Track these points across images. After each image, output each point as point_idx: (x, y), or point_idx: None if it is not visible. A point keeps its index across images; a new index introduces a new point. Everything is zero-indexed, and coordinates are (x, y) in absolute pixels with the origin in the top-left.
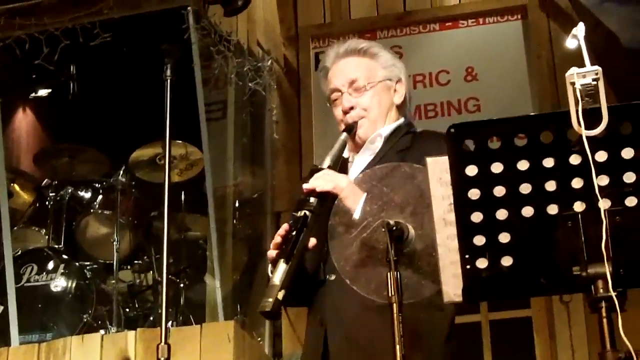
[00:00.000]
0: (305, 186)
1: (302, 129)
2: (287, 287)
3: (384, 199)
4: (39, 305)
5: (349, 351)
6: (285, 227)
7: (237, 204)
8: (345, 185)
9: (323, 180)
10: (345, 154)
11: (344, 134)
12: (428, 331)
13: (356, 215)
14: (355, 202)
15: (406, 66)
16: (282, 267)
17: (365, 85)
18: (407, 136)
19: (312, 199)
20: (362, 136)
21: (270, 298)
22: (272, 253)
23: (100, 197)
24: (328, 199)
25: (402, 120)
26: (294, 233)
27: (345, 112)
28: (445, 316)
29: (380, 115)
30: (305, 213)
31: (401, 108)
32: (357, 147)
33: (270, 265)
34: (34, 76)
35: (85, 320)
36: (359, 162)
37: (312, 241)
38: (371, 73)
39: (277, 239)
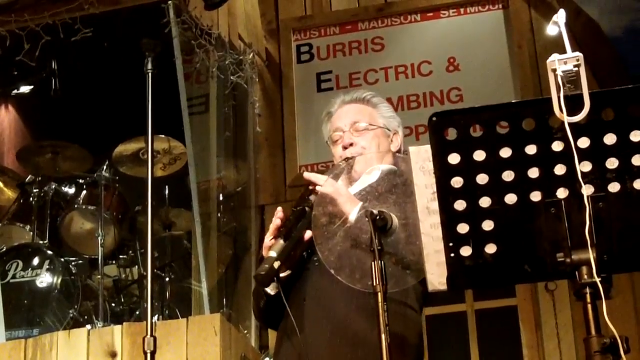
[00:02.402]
0: (311, 176)
1: (284, 122)
2: (283, 260)
3: (368, 189)
4: (25, 301)
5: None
6: (279, 214)
7: (220, 198)
8: (344, 192)
9: (327, 187)
10: None
11: (343, 163)
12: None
13: (352, 217)
14: (351, 207)
15: (388, 58)
16: (279, 243)
17: (367, 127)
18: (401, 178)
19: (311, 197)
20: (358, 170)
21: (266, 265)
22: (267, 241)
23: (84, 192)
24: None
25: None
26: (292, 219)
27: (345, 148)
28: (418, 316)
29: (377, 156)
30: (305, 207)
31: (396, 157)
32: (352, 182)
33: (263, 257)
34: (15, 73)
35: (71, 315)
36: (353, 191)
37: (308, 233)
38: (372, 119)
39: (276, 222)
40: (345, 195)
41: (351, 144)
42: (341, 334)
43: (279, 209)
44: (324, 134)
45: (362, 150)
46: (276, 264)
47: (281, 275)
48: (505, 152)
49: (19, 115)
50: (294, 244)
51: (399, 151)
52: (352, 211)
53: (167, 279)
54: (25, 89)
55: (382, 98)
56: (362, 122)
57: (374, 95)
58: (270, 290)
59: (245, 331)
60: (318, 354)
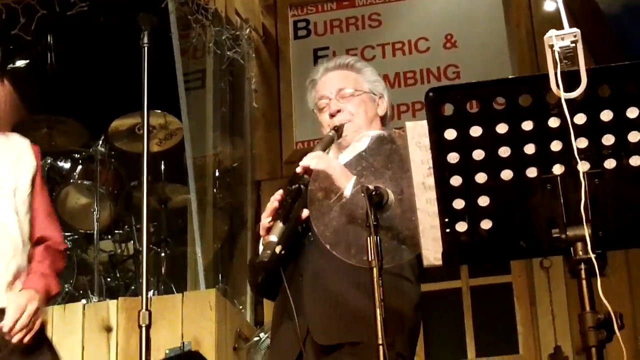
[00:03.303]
0: (301, 164)
1: (281, 97)
2: (284, 244)
3: (364, 164)
4: None
5: (324, 301)
6: (277, 196)
7: (217, 174)
8: (337, 167)
9: (317, 159)
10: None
11: (332, 132)
12: (399, 295)
13: (347, 192)
14: (346, 182)
15: (385, 34)
16: (279, 226)
17: (353, 93)
18: (390, 145)
19: (306, 176)
20: (347, 137)
21: (268, 250)
22: (264, 222)
23: (79, 167)
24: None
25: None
26: (289, 200)
27: (332, 115)
28: (415, 287)
29: (366, 121)
30: (300, 186)
31: (383, 120)
32: (342, 149)
33: (259, 235)
34: (11, 47)
35: (66, 290)
36: (343, 159)
37: (305, 212)
38: (357, 84)
39: (274, 204)
40: (339, 170)
41: (338, 111)
42: (338, 309)
43: (278, 192)
44: (309, 102)
45: (350, 116)
46: (278, 249)
47: (278, 252)
48: (502, 128)
49: (14, 89)
50: (292, 226)
51: (386, 115)
52: (347, 186)
53: (162, 254)
54: (20, 63)
55: (365, 62)
56: (348, 89)
57: (357, 60)
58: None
59: (241, 307)
60: (316, 330)
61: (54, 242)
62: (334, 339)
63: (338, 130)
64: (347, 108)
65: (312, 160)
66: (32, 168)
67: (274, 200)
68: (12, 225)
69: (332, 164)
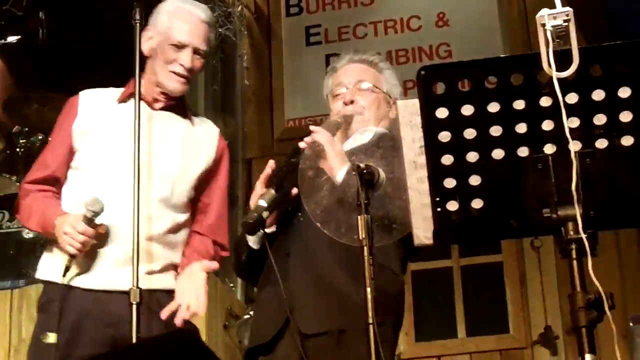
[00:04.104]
0: (307, 139)
1: (272, 75)
2: (271, 211)
3: (356, 149)
4: (12, 252)
5: (309, 285)
6: (271, 163)
7: None
8: (336, 149)
9: (322, 135)
10: None
11: (341, 118)
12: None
13: (339, 178)
14: (340, 165)
15: (377, 12)
16: (270, 192)
17: (370, 88)
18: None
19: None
20: (353, 129)
21: (255, 213)
22: (258, 190)
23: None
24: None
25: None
26: (284, 169)
27: (345, 104)
28: (400, 281)
29: (375, 118)
30: (298, 160)
31: (392, 124)
32: (343, 140)
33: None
34: (2, 23)
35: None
36: (345, 148)
37: (295, 190)
38: (377, 81)
39: (267, 171)
40: (337, 151)
41: (352, 101)
42: (324, 288)
43: (271, 161)
44: (325, 88)
45: (362, 109)
46: (265, 214)
47: (267, 230)
48: (494, 107)
49: (6, 65)
50: (283, 196)
51: (396, 120)
52: (340, 170)
53: None
54: (12, 39)
55: (389, 64)
56: (367, 83)
57: (382, 59)
58: (253, 244)
59: (232, 284)
60: (301, 308)
61: (217, 248)
62: (319, 327)
63: (347, 119)
64: (360, 101)
65: (317, 135)
66: (205, 163)
67: (267, 168)
68: (153, 214)
69: (333, 142)
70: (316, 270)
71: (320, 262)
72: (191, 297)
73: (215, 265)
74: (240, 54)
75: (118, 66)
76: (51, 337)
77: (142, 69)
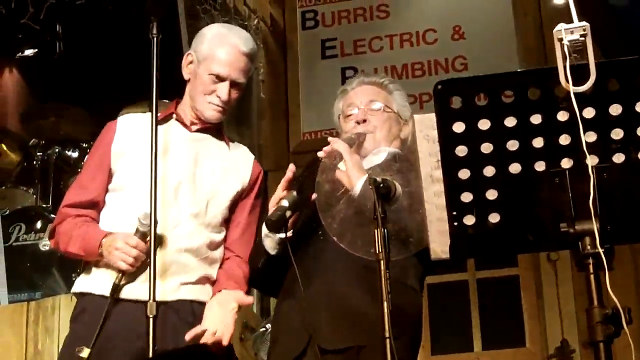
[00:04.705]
0: (326, 148)
1: (288, 88)
2: (293, 212)
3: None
4: (28, 265)
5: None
6: (293, 169)
7: None
8: (355, 159)
9: (341, 145)
10: None
11: (354, 135)
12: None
13: (357, 188)
14: (358, 175)
15: (393, 25)
16: (292, 194)
17: (381, 108)
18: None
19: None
20: (366, 148)
21: (279, 212)
22: (279, 193)
23: (87, 156)
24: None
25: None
26: (305, 174)
27: (358, 123)
28: (419, 296)
29: (386, 138)
30: (318, 164)
31: (403, 144)
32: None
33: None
34: (19, 36)
35: (73, 278)
36: None
37: (314, 196)
38: (387, 102)
39: (289, 175)
40: (355, 160)
41: (364, 120)
42: (343, 305)
43: (291, 165)
44: (336, 110)
45: (374, 129)
46: (288, 213)
47: (286, 236)
48: (510, 122)
49: (22, 78)
50: (303, 200)
51: (406, 140)
52: (358, 182)
53: None
54: (29, 52)
55: (399, 86)
56: (378, 103)
57: (392, 81)
58: (271, 249)
59: None
60: (320, 323)
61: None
62: (340, 342)
63: (360, 137)
64: (372, 121)
65: (337, 145)
66: (241, 184)
67: (288, 172)
68: (187, 230)
69: (352, 154)
70: (335, 287)
71: (339, 279)
72: (219, 324)
73: (250, 300)
74: (256, 67)
75: (135, 79)
76: (85, 352)
77: (174, 91)
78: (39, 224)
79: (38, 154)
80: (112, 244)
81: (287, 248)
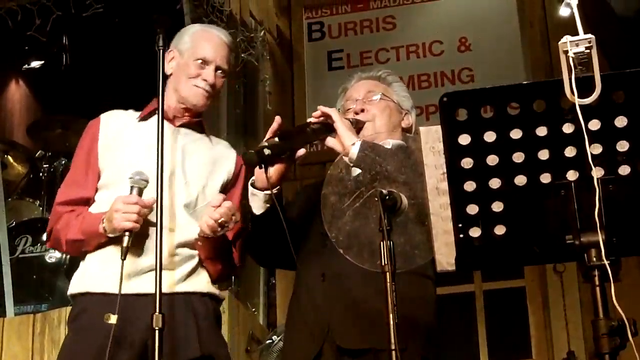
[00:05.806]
0: (315, 113)
1: (295, 100)
2: (272, 155)
3: (377, 168)
4: (34, 277)
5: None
6: (278, 120)
7: None
8: (346, 124)
9: (331, 110)
10: None
11: (352, 119)
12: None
13: (353, 151)
14: (351, 137)
15: (399, 37)
16: (274, 140)
17: (380, 97)
18: (407, 155)
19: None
20: (364, 136)
21: (257, 149)
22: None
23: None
24: (329, 130)
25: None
26: (292, 129)
27: (356, 113)
28: (435, 286)
29: (386, 127)
30: (308, 122)
31: (405, 134)
32: None
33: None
34: (26, 48)
35: None
36: None
37: (302, 151)
38: (387, 93)
39: (274, 126)
40: (347, 125)
41: (362, 110)
42: (362, 314)
43: (277, 117)
44: (337, 107)
45: (373, 117)
46: (266, 151)
47: (271, 192)
48: (516, 134)
49: (29, 90)
50: (287, 145)
51: (409, 130)
52: (353, 146)
53: None
54: (36, 64)
55: (397, 77)
56: (376, 94)
57: (390, 73)
58: (257, 209)
59: (254, 309)
60: (339, 332)
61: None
62: (358, 343)
63: (358, 124)
64: (371, 110)
65: (325, 108)
66: (227, 174)
67: (274, 123)
68: (182, 221)
69: (342, 119)
70: (353, 293)
71: (356, 285)
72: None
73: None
74: (262, 79)
75: (140, 90)
76: (113, 319)
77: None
78: (45, 236)
79: (44, 165)
80: (112, 209)
81: (274, 205)
